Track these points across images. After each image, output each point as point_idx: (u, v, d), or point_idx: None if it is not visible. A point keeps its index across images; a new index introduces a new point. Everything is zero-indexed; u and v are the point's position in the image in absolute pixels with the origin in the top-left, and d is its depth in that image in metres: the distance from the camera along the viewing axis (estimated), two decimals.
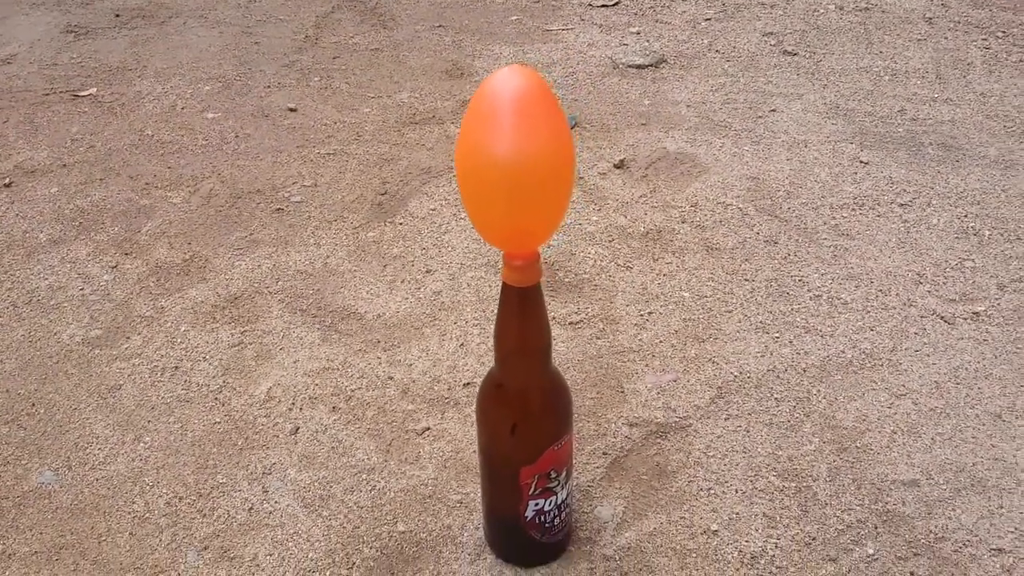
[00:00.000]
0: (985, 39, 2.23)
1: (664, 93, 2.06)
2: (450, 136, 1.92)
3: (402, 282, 1.51)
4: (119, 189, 1.79)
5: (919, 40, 2.25)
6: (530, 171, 0.78)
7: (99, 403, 1.29)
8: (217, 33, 2.45)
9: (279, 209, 1.71)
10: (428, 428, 1.23)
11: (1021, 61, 2.11)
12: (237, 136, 1.96)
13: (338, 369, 1.34)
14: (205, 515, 1.12)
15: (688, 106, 2.00)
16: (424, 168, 1.82)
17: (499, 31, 2.40)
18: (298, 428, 1.24)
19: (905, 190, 1.67)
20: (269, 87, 2.16)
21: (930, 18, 2.36)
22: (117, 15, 2.58)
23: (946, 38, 2.25)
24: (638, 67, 2.17)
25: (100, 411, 1.28)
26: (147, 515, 1.12)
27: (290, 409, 1.27)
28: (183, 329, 1.42)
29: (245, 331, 1.42)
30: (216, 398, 1.29)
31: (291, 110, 2.06)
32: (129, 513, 1.13)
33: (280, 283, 1.52)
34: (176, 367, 1.35)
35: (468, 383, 1.30)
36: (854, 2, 2.47)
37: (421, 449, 1.20)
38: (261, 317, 1.44)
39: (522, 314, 0.90)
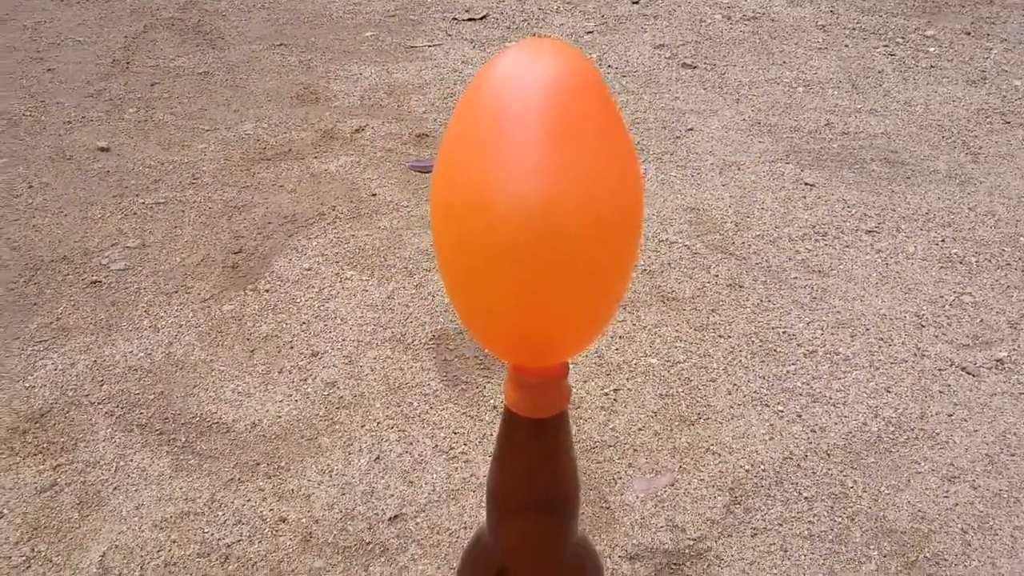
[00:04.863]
0: (887, 45, 2.08)
1: None
2: (315, 173, 1.55)
3: (280, 373, 1.12)
4: None
5: (820, 49, 2.07)
6: (581, 221, 0.44)
7: None
8: None
9: (95, 281, 1.28)
10: None
11: (932, 67, 1.97)
12: (31, 187, 1.50)
13: (203, 513, 0.94)
14: None
15: None
16: (287, 216, 1.43)
17: (354, 49, 2.04)
18: None
19: (866, 214, 1.44)
20: (70, 123, 1.71)
21: (823, 26, 2.19)
22: None
23: (847, 46, 2.08)
24: None
25: None
26: None
27: None
28: None
29: (59, 465, 0.99)
30: None
31: (102, 150, 1.61)
32: None
33: (105, 387, 1.10)
34: None
35: (396, 515, 0.93)
36: (740, 11, 2.28)
37: None
38: (81, 441, 1.02)
39: (539, 459, 0.55)
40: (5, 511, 0.93)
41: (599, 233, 0.46)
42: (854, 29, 2.17)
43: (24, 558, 0.89)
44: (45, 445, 1.01)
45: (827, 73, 1.94)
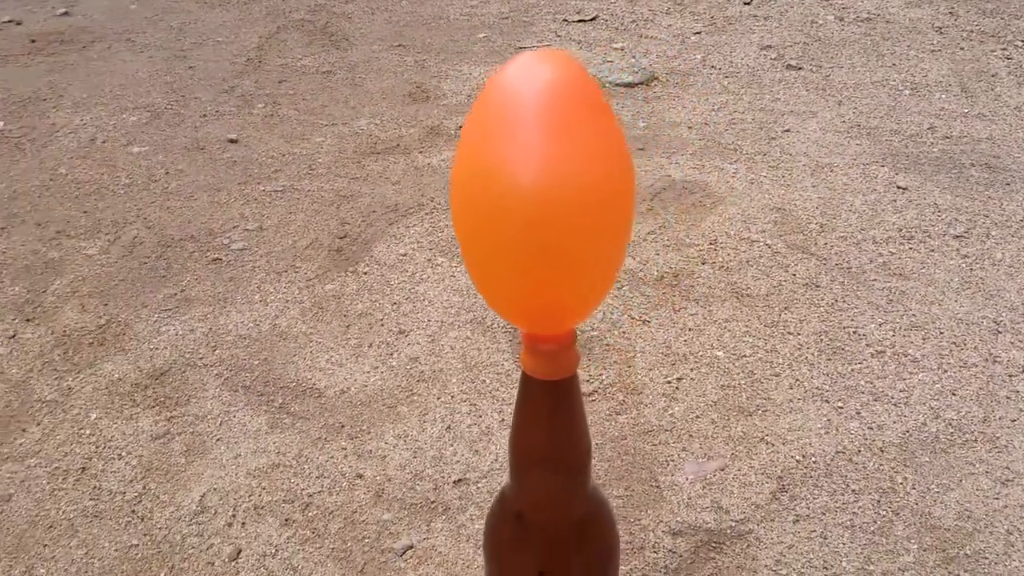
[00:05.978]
0: (1004, 48, 2.02)
1: (660, 114, 1.81)
2: (419, 167, 1.65)
3: (370, 347, 1.23)
4: (23, 239, 1.48)
5: (933, 51, 2.03)
6: (573, 204, 0.51)
7: None
8: (146, 58, 2.16)
9: (217, 259, 1.42)
10: (410, 547, 0.94)
11: None
12: (167, 173, 1.67)
13: (291, 465, 1.05)
14: None
15: (689, 127, 1.75)
16: (390, 205, 1.54)
17: (466, 50, 2.14)
18: (240, 551, 0.94)
19: (956, 219, 1.43)
20: (205, 116, 1.88)
21: (940, 27, 2.15)
22: (32, 40, 2.28)
23: (962, 48, 2.04)
24: (627, 86, 1.93)
25: None
26: None
27: (230, 524, 0.97)
28: (94, 417, 1.13)
29: (172, 417, 1.12)
30: (133, 511, 1.00)
31: (231, 141, 1.77)
32: None
33: (217, 352, 1.23)
34: (83, 469, 1.05)
35: (460, 479, 1.02)
36: (855, 13, 2.26)
37: None
38: (193, 398, 1.15)
39: (552, 418, 0.62)
40: (124, 453, 1.07)
41: (593, 211, 0.52)
42: (972, 31, 2.11)
43: (136, 494, 1.02)
44: (162, 399, 1.15)
45: (937, 76, 1.91)
